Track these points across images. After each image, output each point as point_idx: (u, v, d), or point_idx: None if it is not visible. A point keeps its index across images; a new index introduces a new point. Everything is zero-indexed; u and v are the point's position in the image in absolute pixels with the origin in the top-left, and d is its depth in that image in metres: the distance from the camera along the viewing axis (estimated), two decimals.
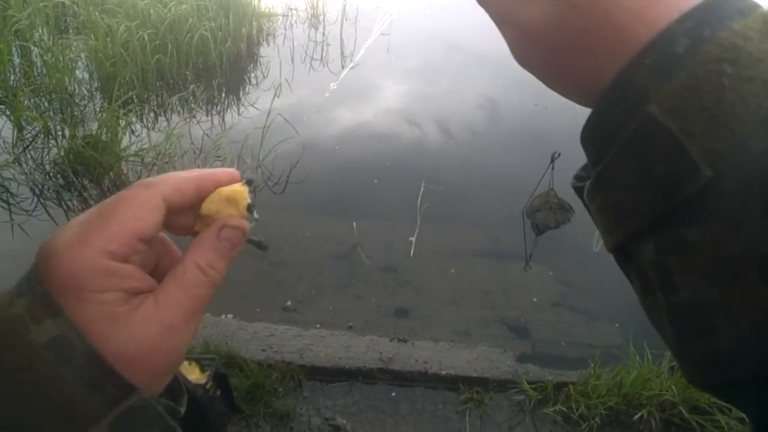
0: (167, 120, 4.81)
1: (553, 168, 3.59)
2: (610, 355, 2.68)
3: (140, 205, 0.36)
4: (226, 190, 0.40)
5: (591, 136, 0.34)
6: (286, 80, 5.21)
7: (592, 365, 2.54)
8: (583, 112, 0.36)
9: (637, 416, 2.37)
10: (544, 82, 0.37)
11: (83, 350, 0.31)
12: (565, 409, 2.40)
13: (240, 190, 0.40)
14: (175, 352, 0.34)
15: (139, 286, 0.34)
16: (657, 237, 0.30)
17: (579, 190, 0.37)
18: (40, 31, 5.72)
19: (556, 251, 3.54)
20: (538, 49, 0.34)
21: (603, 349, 2.77)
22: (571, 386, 2.47)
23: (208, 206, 0.39)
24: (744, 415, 0.32)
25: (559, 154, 3.55)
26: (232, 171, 0.41)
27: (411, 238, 3.38)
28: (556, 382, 2.50)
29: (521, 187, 3.84)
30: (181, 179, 0.38)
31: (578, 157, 0.37)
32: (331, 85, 5.69)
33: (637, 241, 0.32)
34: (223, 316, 2.69)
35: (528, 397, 2.45)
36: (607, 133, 0.32)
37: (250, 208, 0.40)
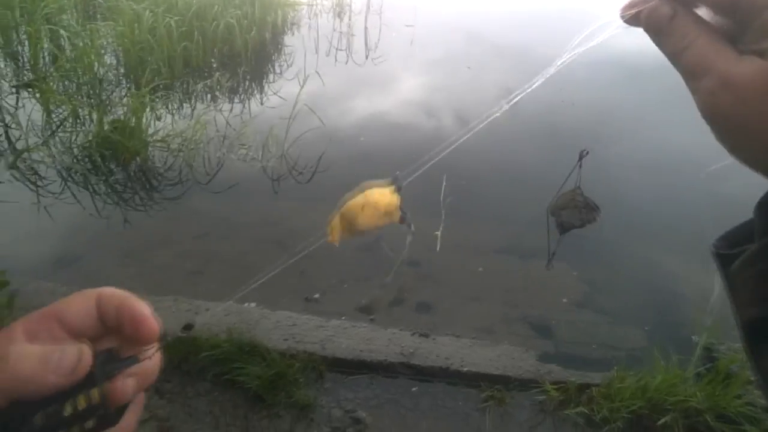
0: (192, 107, 4.84)
1: (580, 166, 3.53)
2: (635, 357, 2.64)
3: (71, 298, 0.41)
4: (381, 200, 0.39)
5: None
6: (316, 73, 5.20)
7: (616, 367, 2.50)
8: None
9: (660, 422, 2.33)
10: (729, 138, 0.36)
11: None
12: (587, 411, 2.37)
13: (392, 202, 0.39)
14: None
15: None
16: None
17: (723, 257, 0.36)
18: (69, 15, 5.78)
19: (580, 251, 3.49)
20: (742, 102, 0.34)
21: (627, 351, 2.73)
22: (594, 388, 2.44)
23: (356, 212, 0.38)
24: None
25: (588, 152, 3.49)
26: (150, 326, 0.41)
27: (437, 233, 3.36)
28: (579, 383, 2.46)
29: (544, 184, 3.78)
30: (116, 293, 0.42)
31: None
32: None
33: None
34: (246, 304, 2.71)
35: (550, 397, 2.42)
36: None
37: (403, 218, 0.39)
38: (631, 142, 4.59)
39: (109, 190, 3.68)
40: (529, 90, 0.48)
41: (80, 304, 0.40)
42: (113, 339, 0.42)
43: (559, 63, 0.45)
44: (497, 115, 0.50)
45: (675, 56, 0.38)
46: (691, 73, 0.37)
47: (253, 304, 2.70)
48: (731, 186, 3.49)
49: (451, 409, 2.38)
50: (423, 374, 2.49)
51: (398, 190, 0.39)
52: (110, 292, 0.42)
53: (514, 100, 0.49)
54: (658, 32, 0.38)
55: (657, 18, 0.38)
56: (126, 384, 0.40)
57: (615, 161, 4.26)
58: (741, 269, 0.34)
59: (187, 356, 2.31)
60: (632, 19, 0.40)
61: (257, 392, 2.26)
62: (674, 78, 0.39)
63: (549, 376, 2.51)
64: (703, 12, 0.38)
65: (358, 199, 0.38)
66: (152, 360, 0.42)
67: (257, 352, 2.36)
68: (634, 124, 4.90)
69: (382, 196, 0.38)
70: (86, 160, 3.84)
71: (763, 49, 0.33)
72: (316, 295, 2.87)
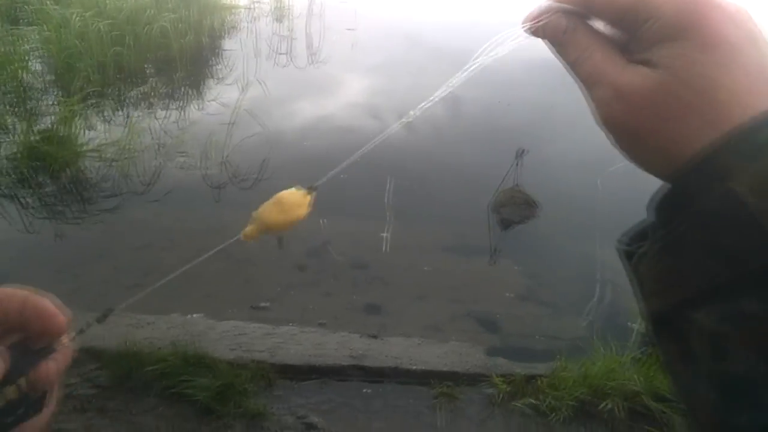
0: (126, 114, 4.66)
1: (518, 164, 3.65)
2: (577, 347, 2.74)
3: None
4: (289, 198, 0.43)
5: (663, 200, 0.36)
6: (256, 78, 5.13)
7: (559, 357, 2.60)
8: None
9: (602, 406, 2.43)
10: (625, 144, 0.38)
11: None
12: (534, 401, 2.44)
13: (299, 201, 0.44)
14: None
15: None
16: (713, 305, 0.32)
17: (625, 253, 0.39)
18: None
19: (522, 246, 3.60)
20: (633, 110, 0.36)
21: (569, 341, 2.83)
22: (540, 379, 2.52)
23: (267, 212, 0.43)
24: None
25: (524, 151, 3.62)
26: (57, 320, 0.41)
27: (383, 234, 3.38)
28: (525, 374, 2.54)
29: (486, 182, 3.89)
30: (6, 297, 0.41)
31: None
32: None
33: (688, 307, 0.33)
34: (191, 316, 2.64)
35: (498, 390, 2.48)
36: (681, 200, 0.34)
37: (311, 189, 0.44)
38: (566, 140, 4.78)
39: (39, 204, 3.49)
40: (429, 104, 0.50)
41: None
42: (14, 335, 0.41)
43: (461, 74, 0.47)
44: (395, 129, 0.51)
45: (573, 66, 0.40)
46: (587, 83, 0.39)
47: (198, 315, 2.64)
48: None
49: (402, 408, 2.40)
50: (374, 375, 2.50)
51: (312, 190, 0.44)
52: (8, 293, 0.41)
53: (414, 114, 0.51)
54: (557, 44, 0.40)
55: (556, 30, 0.40)
56: (49, 369, 0.40)
57: (552, 159, 4.42)
58: (640, 265, 0.36)
59: (129, 372, 2.23)
60: (534, 30, 0.41)
61: (206, 404, 2.21)
62: None
63: (497, 370, 2.57)
64: (599, 24, 0.40)
65: (269, 201, 0.43)
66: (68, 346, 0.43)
67: (204, 364, 2.31)
68: (569, 123, 5.10)
69: (290, 195, 0.43)
70: (13, 172, 3.63)
71: (648, 58, 0.35)
72: (264, 304, 2.83)
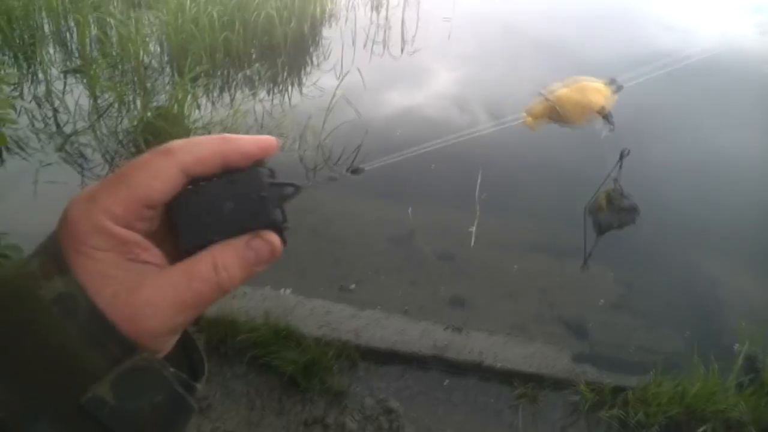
0: (232, 96, 4.90)
1: (621, 166, 3.46)
2: (672, 363, 2.58)
3: (153, 173, 0.35)
4: (591, 90, 0.42)
5: None
6: (354, 66, 5.23)
7: (652, 372, 2.46)
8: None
9: (700, 430, 2.28)
10: None
11: (86, 307, 0.32)
12: (622, 414, 2.34)
13: (599, 87, 0.42)
14: (151, 331, 0.33)
15: (139, 254, 0.35)
16: None
17: None
18: (114, 4, 5.91)
19: (618, 252, 3.43)
20: None
21: (664, 355, 2.67)
22: (629, 391, 2.41)
23: (565, 93, 0.42)
24: None
25: (629, 152, 3.42)
26: (261, 141, 0.39)
27: (471, 228, 3.34)
28: (613, 385, 2.44)
29: (583, 182, 3.73)
30: (204, 150, 0.37)
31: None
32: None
33: None
34: (282, 291, 2.74)
35: (584, 398, 2.40)
36: None
37: (607, 117, 0.42)
38: (673, 143, 4.48)
39: None
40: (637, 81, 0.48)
41: (164, 181, 0.35)
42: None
43: (682, 59, 0.45)
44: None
45: None
46: None
47: (288, 291, 2.74)
48: None
49: (483, 404, 2.38)
50: (455, 368, 2.49)
51: (616, 90, 0.42)
52: (195, 157, 0.36)
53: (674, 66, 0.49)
54: None
55: None
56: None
57: (656, 162, 4.16)
58: None
59: (225, 338, 2.36)
60: None
61: (292, 377, 2.30)
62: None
63: (583, 377, 2.48)
64: None
65: (568, 87, 0.41)
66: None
67: (293, 338, 2.40)
68: (676, 125, 4.77)
69: (594, 88, 0.42)
70: (131, 144, 3.93)
71: None
72: (352, 286, 2.89)
